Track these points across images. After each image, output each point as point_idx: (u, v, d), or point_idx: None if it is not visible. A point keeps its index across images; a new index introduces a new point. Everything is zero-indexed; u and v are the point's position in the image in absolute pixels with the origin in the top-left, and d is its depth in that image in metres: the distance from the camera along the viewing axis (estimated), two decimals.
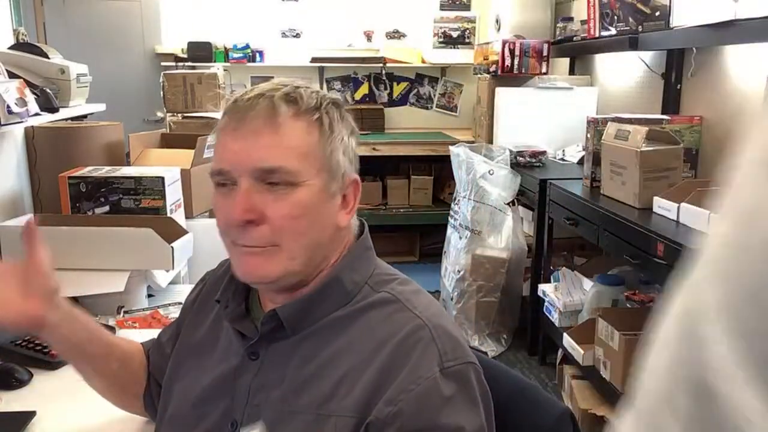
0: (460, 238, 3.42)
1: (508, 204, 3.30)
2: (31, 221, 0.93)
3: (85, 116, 2.46)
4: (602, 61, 3.74)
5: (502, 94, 3.65)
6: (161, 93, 2.86)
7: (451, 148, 3.52)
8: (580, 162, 3.14)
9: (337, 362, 0.80)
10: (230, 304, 0.89)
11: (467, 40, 5.06)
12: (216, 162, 0.82)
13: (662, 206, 2.23)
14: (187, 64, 4.67)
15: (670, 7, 2.64)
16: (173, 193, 1.89)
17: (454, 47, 5.07)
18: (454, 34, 5.06)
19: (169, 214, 1.82)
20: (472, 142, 3.79)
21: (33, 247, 0.89)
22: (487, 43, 3.98)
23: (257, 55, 4.82)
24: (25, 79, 1.86)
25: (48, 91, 1.96)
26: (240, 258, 0.82)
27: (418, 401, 0.75)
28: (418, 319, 0.80)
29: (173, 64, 4.65)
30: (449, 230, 3.59)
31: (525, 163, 3.33)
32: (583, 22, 3.50)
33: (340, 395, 0.78)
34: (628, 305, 2.58)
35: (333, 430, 0.76)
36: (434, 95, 5.19)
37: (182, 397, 0.89)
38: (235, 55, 4.78)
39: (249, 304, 0.91)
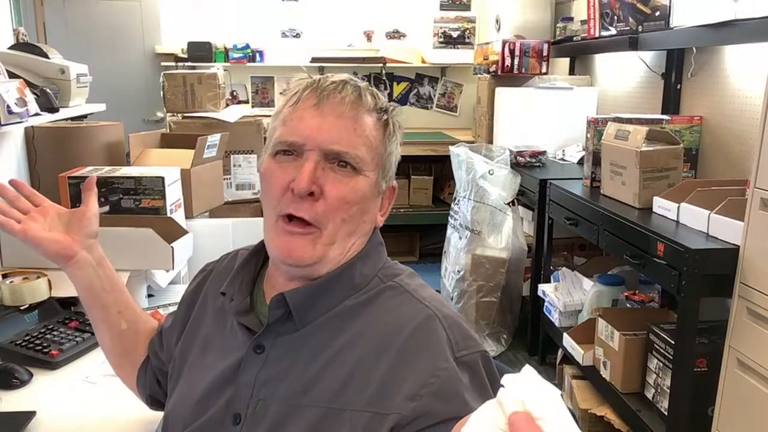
0: (460, 238, 3.41)
1: (508, 204, 3.29)
2: (93, 178, 1.05)
3: (85, 116, 2.46)
4: (602, 61, 3.73)
5: (502, 94, 3.65)
6: (161, 93, 2.85)
7: (451, 148, 3.51)
8: (580, 162, 3.14)
9: (347, 354, 0.80)
10: (235, 297, 0.89)
11: (467, 40, 5.06)
12: (287, 133, 0.83)
13: (662, 206, 2.23)
14: (187, 64, 4.67)
15: (670, 7, 2.64)
16: (173, 193, 1.89)
17: (454, 47, 5.07)
18: (454, 34, 5.06)
19: (169, 214, 1.82)
20: (472, 142, 3.79)
21: (89, 198, 1.03)
22: (487, 43, 3.98)
23: (257, 55, 4.83)
24: (25, 79, 1.86)
25: (48, 91, 1.95)
26: (281, 237, 0.83)
27: (442, 393, 0.75)
28: (428, 309, 0.82)
29: (173, 64, 4.65)
30: (449, 230, 3.59)
31: (525, 163, 3.33)
32: (583, 22, 3.50)
33: (352, 388, 0.77)
34: (628, 305, 2.58)
35: (348, 425, 0.75)
36: (434, 95, 5.19)
37: (187, 392, 0.89)
38: (235, 55, 4.79)
39: (253, 299, 0.91)
